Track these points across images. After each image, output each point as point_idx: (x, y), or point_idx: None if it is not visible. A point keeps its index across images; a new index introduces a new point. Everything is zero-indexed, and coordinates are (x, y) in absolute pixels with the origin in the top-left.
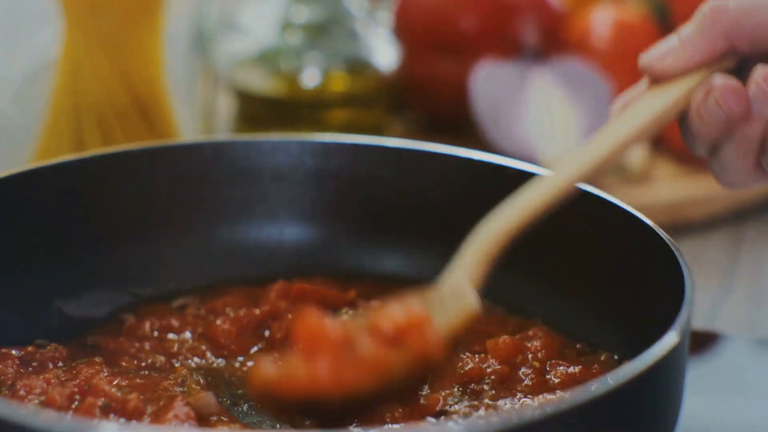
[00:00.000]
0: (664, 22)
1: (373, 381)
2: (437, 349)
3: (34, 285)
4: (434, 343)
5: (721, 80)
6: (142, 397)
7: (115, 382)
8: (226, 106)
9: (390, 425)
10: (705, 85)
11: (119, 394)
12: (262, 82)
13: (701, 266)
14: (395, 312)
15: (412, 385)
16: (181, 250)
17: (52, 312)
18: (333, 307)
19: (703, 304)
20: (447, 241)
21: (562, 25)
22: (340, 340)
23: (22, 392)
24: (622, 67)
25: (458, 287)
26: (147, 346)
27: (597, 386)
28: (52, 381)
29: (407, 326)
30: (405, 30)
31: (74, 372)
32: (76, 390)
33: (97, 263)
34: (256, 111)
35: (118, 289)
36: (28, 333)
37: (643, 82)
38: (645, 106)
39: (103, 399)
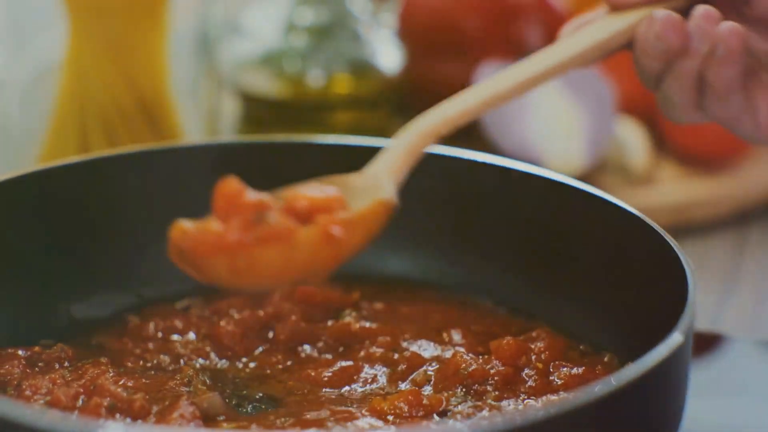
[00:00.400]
0: None
1: (279, 250)
2: (343, 231)
3: (40, 286)
4: (341, 224)
5: (662, 13)
6: (147, 397)
7: (120, 383)
8: (230, 109)
9: (391, 426)
10: (649, 17)
11: (125, 394)
12: (266, 85)
13: (704, 268)
14: (309, 191)
15: (318, 266)
16: None
17: (57, 313)
18: (336, 309)
19: (707, 305)
20: (451, 243)
21: None
22: (253, 206)
23: (27, 392)
24: (625, 69)
25: (378, 178)
26: (151, 346)
27: (600, 387)
28: (58, 381)
29: (317, 204)
30: (409, 32)
31: (80, 372)
32: (82, 390)
33: (102, 264)
34: (261, 113)
35: (123, 290)
36: (33, 333)
37: (602, 9)
38: (592, 32)
39: (108, 399)
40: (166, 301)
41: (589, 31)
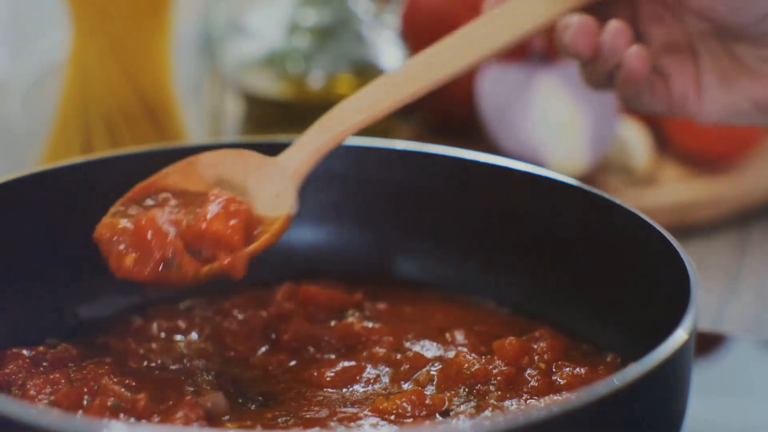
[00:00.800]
0: None
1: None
2: (243, 265)
3: (43, 286)
4: (242, 260)
5: (578, 20)
6: (151, 396)
7: (125, 383)
8: (233, 109)
9: (394, 425)
10: (567, 18)
11: (128, 394)
12: (269, 85)
13: (707, 268)
14: (216, 218)
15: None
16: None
17: (61, 313)
18: (340, 309)
19: (709, 306)
20: (454, 243)
21: None
22: (163, 254)
23: (32, 392)
24: None
25: (285, 177)
26: (154, 346)
27: (602, 387)
28: (62, 381)
29: (223, 241)
30: (411, 33)
31: (84, 372)
32: (86, 390)
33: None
34: (264, 113)
35: (127, 290)
36: (38, 333)
37: None
38: (512, 19)
39: (112, 399)
40: (169, 302)
41: (508, 18)
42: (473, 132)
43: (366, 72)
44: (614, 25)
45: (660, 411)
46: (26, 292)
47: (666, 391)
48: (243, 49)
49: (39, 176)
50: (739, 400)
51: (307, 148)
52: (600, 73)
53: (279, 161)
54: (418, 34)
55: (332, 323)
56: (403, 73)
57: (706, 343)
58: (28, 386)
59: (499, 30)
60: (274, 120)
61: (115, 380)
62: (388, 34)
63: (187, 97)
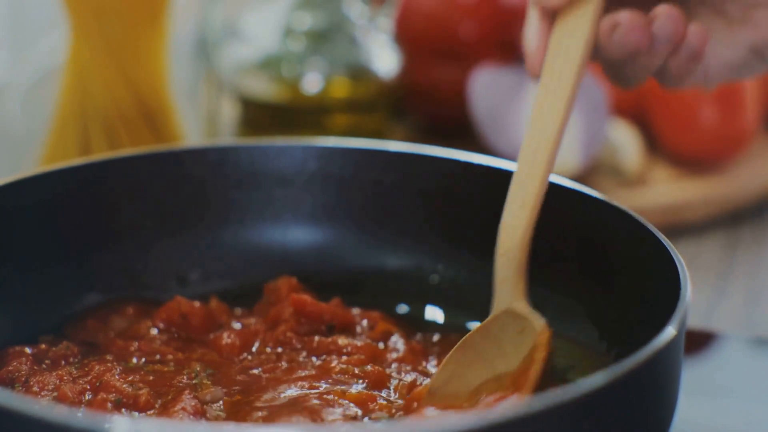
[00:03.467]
0: None
1: None
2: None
3: (42, 287)
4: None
5: (626, 16)
6: (152, 392)
7: (129, 378)
8: (229, 112)
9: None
10: (609, 18)
11: (130, 389)
12: (264, 88)
13: (697, 268)
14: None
15: None
16: (185, 253)
17: (61, 313)
18: (328, 322)
19: (699, 305)
20: (449, 242)
21: None
22: None
23: (35, 388)
24: None
25: (517, 314)
26: (157, 344)
27: (590, 383)
28: (65, 378)
29: None
30: (405, 36)
31: (86, 369)
32: (88, 387)
33: (104, 264)
34: (259, 116)
35: (125, 290)
36: (37, 332)
37: (533, 15)
38: (565, 56)
39: (114, 395)
40: (167, 301)
41: (563, 57)
42: (466, 133)
43: (360, 75)
44: (666, 11)
45: (650, 406)
46: (25, 292)
47: (655, 387)
48: (239, 53)
49: (37, 178)
50: (729, 398)
51: (510, 265)
52: (650, 65)
53: (496, 303)
54: (413, 38)
55: (316, 339)
56: (521, 163)
57: (697, 340)
58: (32, 383)
59: (562, 68)
60: (269, 123)
61: (116, 377)
62: (383, 38)
63: (183, 100)
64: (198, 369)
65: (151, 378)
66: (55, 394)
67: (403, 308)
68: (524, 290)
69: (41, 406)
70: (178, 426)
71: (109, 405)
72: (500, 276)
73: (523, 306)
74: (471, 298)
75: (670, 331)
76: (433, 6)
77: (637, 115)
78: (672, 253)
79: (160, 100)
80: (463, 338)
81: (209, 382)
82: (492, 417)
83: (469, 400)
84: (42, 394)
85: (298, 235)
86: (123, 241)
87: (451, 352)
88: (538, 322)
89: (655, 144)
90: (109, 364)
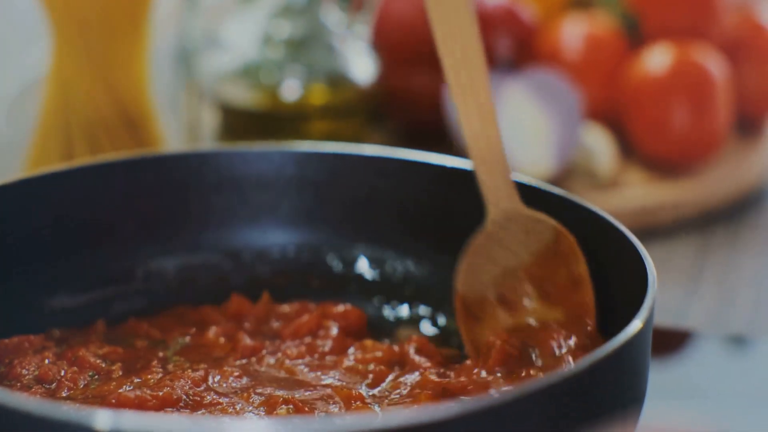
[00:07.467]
0: (633, 35)
1: None
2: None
3: (22, 289)
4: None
5: None
6: (125, 367)
7: (102, 354)
8: (209, 119)
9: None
10: None
11: (104, 364)
12: (244, 95)
13: (669, 270)
14: None
15: None
16: (166, 256)
17: (42, 315)
18: (307, 333)
19: (671, 306)
20: (422, 245)
21: (534, 38)
22: None
23: (18, 368)
24: (592, 78)
25: (520, 215)
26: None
27: (558, 374)
28: (48, 358)
29: None
30: (382, 44)
31: (66, 348)
32: (66, 364)
33: (85, 268)
34: (239, 123)
35: (105, 296)
36: (20, 331)
37: None
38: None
39: (90, 371)
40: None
41: None
42: (442, 138)
43: (338, 82)
44: None
45: (618, 393)
46: (4, 293)
47: (622, 379)
48: (218, 61)
49: (20, 183)
50: (703, 397)
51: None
52: None
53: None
54: (389, 45)
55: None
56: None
57: (671, 339)
58: (15, 363)
59: None
60: (249, 129)
61: (91, 353)
62: (360, 45)
63: (164, 108)
64: (172, 345)
65: (124, 353)
66: (36, 372)
67: (379, 310)
68: (518, 194)
69: (20, 399)
70: (159, 418)
71: (81, 379)
72: (487, 185)
73: (523, 208)
74: (449, 300)
75: (635, 325)
76: (409, 14)
77: (611, 119)
78: (640, 252)
79: (142, 108)
80: (470, 244)
81: (183, 359)
82: (459, 406)
83: (500, 304)
84: (23, 372)
85: (276, 237)
86: (102, 243)
87: (463, 258)
88: (549, 222)
89: (628, 147)
90: (89, 345)
